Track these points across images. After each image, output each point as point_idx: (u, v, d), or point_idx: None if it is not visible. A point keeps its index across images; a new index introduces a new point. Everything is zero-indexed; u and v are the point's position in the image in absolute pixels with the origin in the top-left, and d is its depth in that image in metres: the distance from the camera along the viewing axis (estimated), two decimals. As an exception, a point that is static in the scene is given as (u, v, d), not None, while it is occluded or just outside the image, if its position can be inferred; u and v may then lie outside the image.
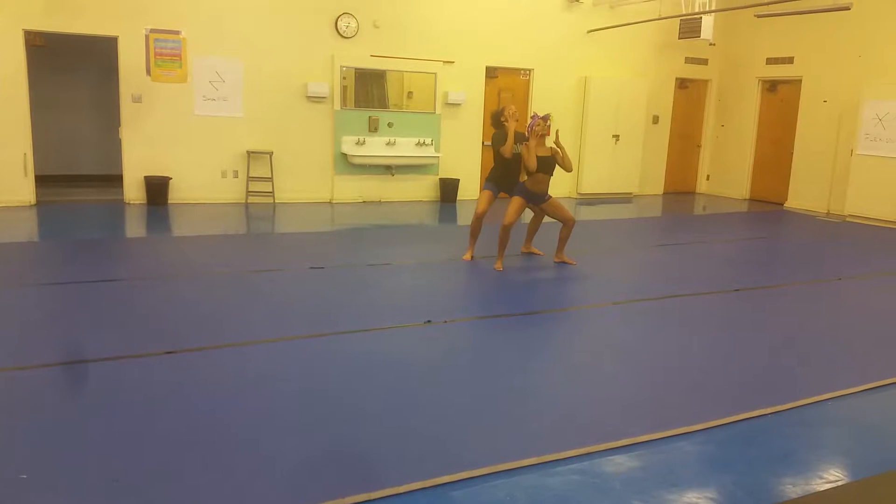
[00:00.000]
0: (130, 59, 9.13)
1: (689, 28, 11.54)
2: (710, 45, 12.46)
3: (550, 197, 6.78)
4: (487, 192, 6.92)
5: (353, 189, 10.49)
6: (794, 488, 2.95)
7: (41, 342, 4.31)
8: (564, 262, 6.90)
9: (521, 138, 6.79)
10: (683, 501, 2.80)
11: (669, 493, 2.86)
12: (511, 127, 6.75)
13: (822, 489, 2.96)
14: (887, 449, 3.38)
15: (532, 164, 6.42)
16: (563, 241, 6.89)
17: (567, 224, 6.80)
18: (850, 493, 2.97)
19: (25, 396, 3.56)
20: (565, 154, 6.64)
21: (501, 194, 7.01)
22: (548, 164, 6.60)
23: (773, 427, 3.52)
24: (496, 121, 6.99)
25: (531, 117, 6.61)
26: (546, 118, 6.58)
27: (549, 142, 6.66)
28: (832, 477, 3.06)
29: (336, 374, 3.98)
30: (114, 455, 2.97)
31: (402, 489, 2.77)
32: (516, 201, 6.63)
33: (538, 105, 11.60)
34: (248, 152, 9.81)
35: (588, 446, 3.18)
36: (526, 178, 6.65)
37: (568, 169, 6.70)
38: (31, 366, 3.88)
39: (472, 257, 6.93)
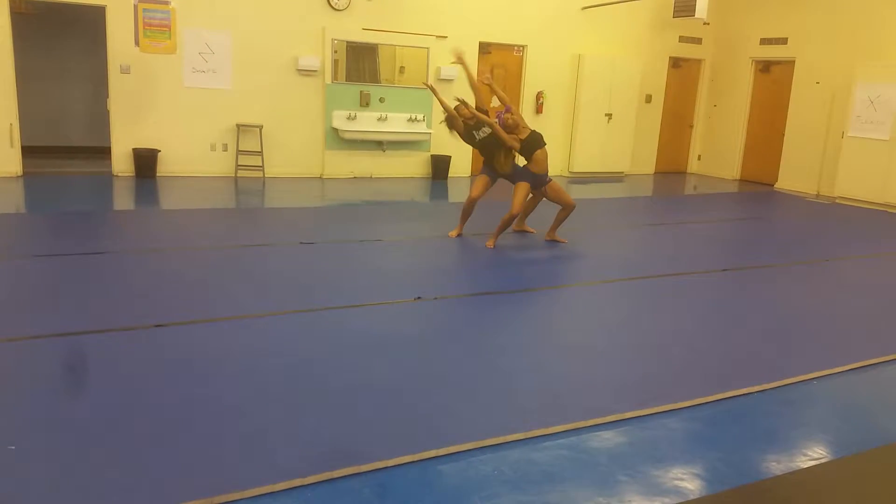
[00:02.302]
0: (118, 30, 8.99)
1: (684, 7, 11.50)
2: (705, 24, 12.42)
3: (551, 179, 6.79)
4: (484, 177, 6.83)
5: (343, 164, 10.43)
6: (778, 465, 2.99)
7: (29, 315, 4.28)
8: (556, 241, 6.91)
9: (451, 123, 6.78)
10: (669, 477, 2.83)
11: (655, 468, 2.89)
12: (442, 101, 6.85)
13: (806, 466, 2.99)
14: (871, 427, 3.43)
15: (513, 143, 6.50)
16: (558, 221, 6.90)
17: (566, 207, 6.80)
18: (834, 471, 3.01)
19: (13, 369, 3.54)
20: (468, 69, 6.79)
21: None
22: (536, 140, 6.59)
23: (758, 405, 3.55)
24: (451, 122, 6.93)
25: (496, 115, 6.58)
26: (509, 109, 6.61)
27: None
28: (816, 454, 3.10)
29: (325, 349, 3.98)
30: (102, 427, 2.96)
31: (390, 463, 2.78)
32: (523, 187, 6.60)
33: (532, 81, 11.56)
34: (238, 125, 9.72)
35: (575, 422, 3.20)
36: (527, 162, 6.65)
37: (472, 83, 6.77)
38: (19, 338, 3.86)
39: (459, 234, 6.93)
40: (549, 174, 6.84)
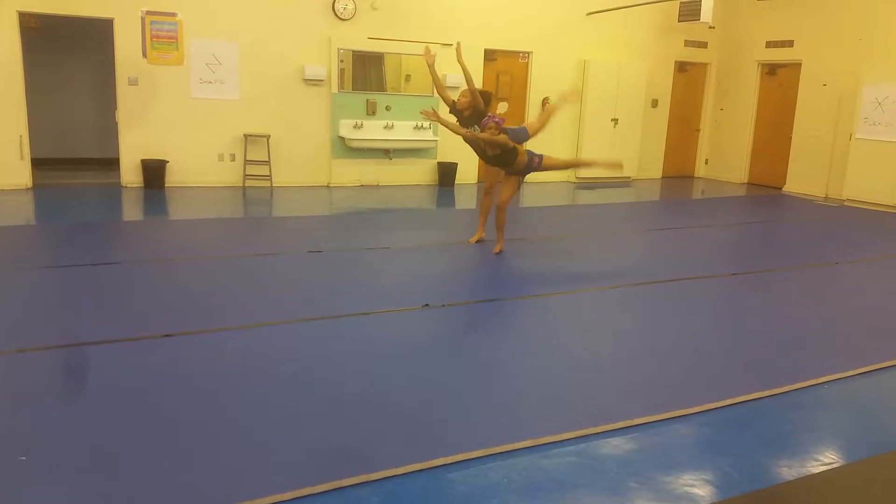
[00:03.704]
0: (126, 42, 9.06)
1: (689, 11, 11.48)
2: (710, 28, 12.40)
3: (540, 158, 6.46)
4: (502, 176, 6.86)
5: (350, 173, 10.46)
6: (789, 471, 2.97)
7: (40, 325, 4.31)
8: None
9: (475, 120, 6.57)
10: (679, 483, 2.82)
11: (665, 475, 2.87)
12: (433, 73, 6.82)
13: (817, 471, 2.97)
14: (882, 431, 3.40)
15: (480, 141, 6.30)
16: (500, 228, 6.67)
17: (567, 165, 6.68)
18: (846, 476, 2.98)
19: (24, 379, 3.56)
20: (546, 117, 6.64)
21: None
22: (500, 160, 6.40)
23: (769, 410, 3.53)
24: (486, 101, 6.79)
25: (488, 117, 6.26)
26: (500, 123, 6.22)
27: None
28: (828, 459, 3.08)
29: (334, 357, 3.99)
30: (112, 437, 2.98)
31: (399, 471, 2.78)
32: (511, 181, 6.55)
33: (537, 87, 11.57)
34: (245, 136, 9.77)
35: (584, 428, 3.19)
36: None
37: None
38: (30, 349, 3.88)
39: (480, 239, 6.99)
40: (555, 181, 6.75)
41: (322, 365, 3.86)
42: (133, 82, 9.17)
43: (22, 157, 8.86)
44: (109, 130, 10.01)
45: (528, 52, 11.48)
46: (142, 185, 9.40)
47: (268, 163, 9.87)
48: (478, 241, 6.94)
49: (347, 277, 5.72)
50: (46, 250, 6.29)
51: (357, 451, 2.95)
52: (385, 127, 10.43)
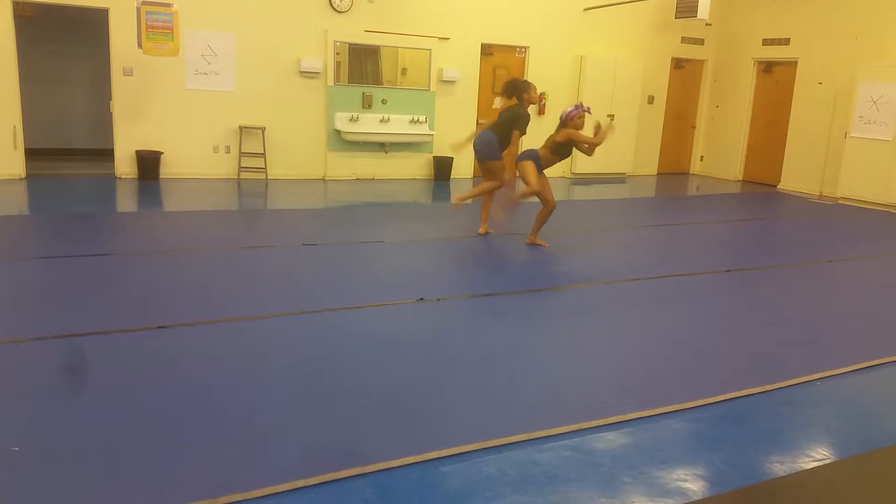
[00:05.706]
0: (121, 32, 9.01)
1: (686, 7, 11.48)
2: (707, 25, 12.40)
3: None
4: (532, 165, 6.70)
5: (346, 166, 10.44)
6: (781, 466, 2.98)
7: (33, 316, 4.29)
8: (537, 245, 6.71)
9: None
10: (672, 478, 2.83)
11: (659, 469, 2.88)
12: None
13: (809, 467, 2.99)
14: (874, 428, 3.42)
15: (593, 139, 6.45)
16: (539, 222, 6.71)
17: (547, 206, 6.62)
18: (837, 472, 3.00)
19: (17, 370, 3.55)
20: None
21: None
22: (566, 150, 6.58)
23: (761, 406, 3.55)
24: (516, 92, 6.82)
25: (576, 106, 6.46)
26: (588, 110, 6.53)
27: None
28: (819, 455, 3.10)
29: (328, 350, 3.99)
30: (105, 429, 2.97)
31: (393, 464, 2.78)
32: (531, 167, 6.45)
33: (534, 82, 11.49)
34: (241, 127, 9.74)
35: (578, 423, 3.20)
36: (545, 148, 6.52)
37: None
38: (23, 339, 3.87)
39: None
40: (551, 175, 6.76)
41: (316, 358, 3.86)
42: (128, 73, 9.12)
43: (15, 147, 8.81)
44: (104, 121, 9.96)
45: (525, 47, 11.47)
46: (136, 176, 9.36)
47: (263, 155, 9.84)
48: (486, 234, 7.00)
49: (342, 271, 5.71)
50: (39, 241, 6.26)
51: (351, 443, 2.95)
52: (381, 120, 10.40)
